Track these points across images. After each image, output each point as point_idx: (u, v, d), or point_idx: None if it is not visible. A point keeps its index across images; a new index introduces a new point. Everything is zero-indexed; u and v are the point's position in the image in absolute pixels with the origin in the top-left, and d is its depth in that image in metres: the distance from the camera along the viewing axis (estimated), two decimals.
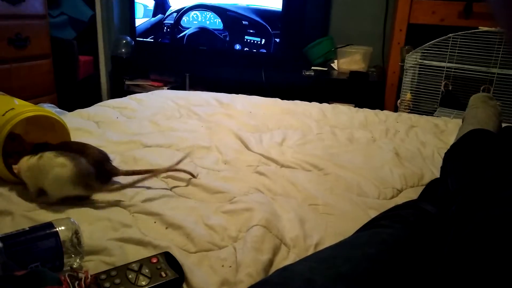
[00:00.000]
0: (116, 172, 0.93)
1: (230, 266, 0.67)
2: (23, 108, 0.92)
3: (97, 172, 0.89)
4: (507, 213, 0.59)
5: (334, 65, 2.54)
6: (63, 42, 2.45)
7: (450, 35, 1.91)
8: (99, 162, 0.91)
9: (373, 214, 0.79)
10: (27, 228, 0.64)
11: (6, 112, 0.89)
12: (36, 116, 0.94)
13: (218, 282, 0.63)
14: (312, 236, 0.77)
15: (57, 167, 0.81)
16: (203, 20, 2.54)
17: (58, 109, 1.69)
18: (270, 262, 0.69)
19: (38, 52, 2.20)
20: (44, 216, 0.77)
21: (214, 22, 2.52)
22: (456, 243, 0.59)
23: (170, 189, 0.93)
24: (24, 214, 0.77)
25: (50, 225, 0.64)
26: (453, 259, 0.57)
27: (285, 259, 0.71)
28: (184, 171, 0.96)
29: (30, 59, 2.15)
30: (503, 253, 0.53)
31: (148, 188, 0.92)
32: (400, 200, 0.94)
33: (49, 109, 1.04)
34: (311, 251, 0.72)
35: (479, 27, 1.89)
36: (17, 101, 0.97)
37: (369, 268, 0.55)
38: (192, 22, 2.57)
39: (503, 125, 1.16)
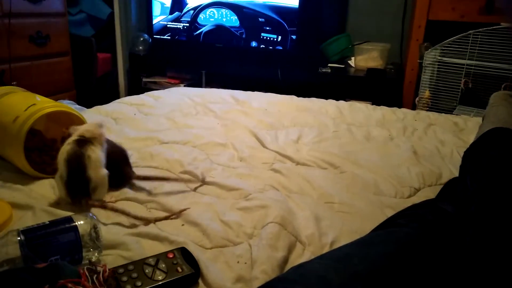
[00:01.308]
0: (131, 175, 0.93)
1: (246, 263, 0.67)
2: (44, 104, 0.94)
3: (113, 174, 0.87)
4: None
5: (351, 62, 2.52)
6: (82, 39, 2.49)
7: (470, 31, 1.87)
8: (117, 164, 0.90)
9: (390, 213, 0.79)
10: (48, 222, 0.65)
11: (28, 107, 0.91)
12: (56, 112, 0.96)
13: (233, 278, 0.64)
14: (328, 234, 0.76)
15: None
16: (220, 18, 2.55)
17: (77, 106, 1.72)
18: (285, 260, 0.69)
19: (57, 49, 2.24)
20: (64, 210, 0.79)
21: (230, 19, 2.52)
22: (477, 243, 0.58)
23: (187, 186, 0.94)
24: (45, 209, 0.79)
25: (69, 219, 0.66)
26: (474, 258, 0.56)
27: (300, 256, 0.71)
28: (191, 181, 0.94)
29: (50, 56, 2.20)
30: None
31: (164, 184, 0.93)
32: (417, 199, 0.93)
33: (68, 106, 1.06)
34: (326, 249, 0.72)
35: (501, 23, 1.84)
36: (39, 98, 0.99)
37: (386, 267, 0.55)
38: (209, 19, 2.58)
39: None
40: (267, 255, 0.68)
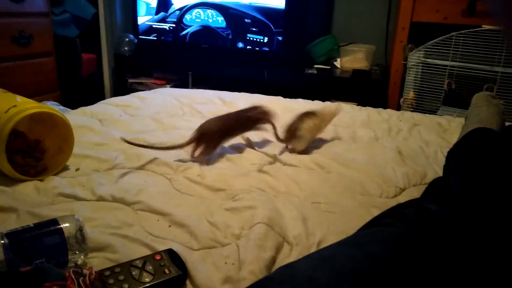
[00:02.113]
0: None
1: (233, 263, 0.67)
2: (26, 105, 0.92)
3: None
4: (510, 212, 0.60)
5: (337, 63, 2.54)
6: (66, 40, 2.46)
7: (453, 33, 1.91)
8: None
9: (376, 212, 0.79)
10: (32, 225, 0.64)
11: (9, 109, 0.90)
12: (39, 113, 0.94)
13: (221, 279, 0.64)
14: (315, 234, 0.77)
15: None
16: (206, 18, 2.54)
17: (62, 107, 1.70)
18: (273, 260, 0.69)
19: (41, 50, 2.20)
20: (48, 212, 0.78)
21: (216, 20, 2.52)
22: (459, 242, 0.60)
23: (173, 187, 0.93)
24: (29, 211, 0.78)
25: (54, 221, 0.65)
26: (456, 257, 0.57)
27: (288, 256, 0.71)
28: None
29: (33, 57, 2.16)
30: (506, 252, 0.53)
31: (151, 185, 0.92)
32: (402, 198, 0.94)
33: (52, 107, 1.04)
34: (313, 249, 0.72)
35: (483, 26, 1.88)
36: (20, 99, 0.97)
37: (372, 266, 0.55)
38: (195, 20, 2.57)
39: (506, 123, 1.16)
40: (254, 255, 0.68)
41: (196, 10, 2.55)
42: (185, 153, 1.12)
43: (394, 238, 0.62)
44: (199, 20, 2.56)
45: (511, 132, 1.10)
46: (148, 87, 2.61)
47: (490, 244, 0.56)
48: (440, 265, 0.58)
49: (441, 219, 0.69)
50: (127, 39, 2.76)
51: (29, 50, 2.13)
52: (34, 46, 2.15)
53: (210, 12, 2.52)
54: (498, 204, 0.65)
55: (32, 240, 0.61)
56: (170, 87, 2.61)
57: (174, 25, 2.62)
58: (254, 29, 2.45)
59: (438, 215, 0.70)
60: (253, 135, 1.26)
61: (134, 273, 0.60)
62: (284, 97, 1.77)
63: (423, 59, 2.04)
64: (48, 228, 0.63)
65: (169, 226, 0.77)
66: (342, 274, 0.53)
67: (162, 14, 2.64)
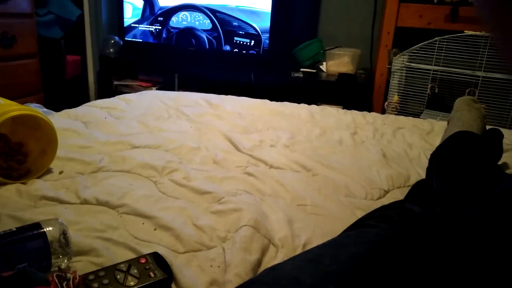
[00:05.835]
0: None
1: (219, 266, 0.67)
2: (9, 107, 0.91)
3: None
4: (490, 213, 0.61)
5: (323, 67, 2.56)
6: (50, 41, 2.43)
7: (436, 38, 1.95)
8: None
9: (360, 214, 0.80)
10: (14, 229, 0.63)
11: None
12: (22, 115, 0.93)
13: (206, 282, 0.64)
14: (300, 236, 0.77)
15: None
16: (192, 21, 2.54)
17: (45, 109, 1.67)
18: (259, 262, 0.69)
19: (25, 51, 2.17)
20: (31, 216, 0.77)
21: (203, 23, 2.52)
22: (441, 243, 0.61)
23: (159, 190, 0.93)
24: (11, 215, 0.77)
25: (37, 225, 0.64)
26: (438, 258, 0.58)
27: (274, 259, 0.71)
28: None
29: (16, 58, 2.13)
30: (486, 252, 0.54)
31: (136, 188, 0.92)
32: (386, 200, 0.95)
33: (35, 109, 1.03)
34: (299, 251, 0.73)
35: (465, 31, 1.92)
36: (2, 101, 0.96)
37: (356, 267, 0.56)
38: (181, 22, 2.57)
39: (487, 127, 1.19)
40: (240, 258, 0.68)
41: (183, 12, 2.55)
42: (171, 155, 1.11)
43: (378, 240, 0.63)
44: (185, 23, 2.56)
45: (491, 136, 1.13)
46: (134, 89, 2.59)
47: (471, 245, 0.57)
48: (423, 266, 0.59)
49: (424, 221, 0.70)
50: (112, 41, 2.73)
51: (12, 51, 2.09)
52: (17, 47, 2.12)
53: (196, 14, 2.52)
54: (478, 205, 0.66)
55: (15, 244, 0.60)
56: (156, 89, 2.59)
57: (160, 27, 2.61)
58: (240, 32, 2.46)
59: (421, 217, 0.71)
60: (239, 137, 1.26)
61: (118, 276, 0.60)
62: (271, 100, 1.78)
63: (407, 63, 2.07)
64: (31, 232, 0.62)
65: (154, 229, 0.76)
66: (327, 275, 0.53)
67: (148, 16, 2.63)
